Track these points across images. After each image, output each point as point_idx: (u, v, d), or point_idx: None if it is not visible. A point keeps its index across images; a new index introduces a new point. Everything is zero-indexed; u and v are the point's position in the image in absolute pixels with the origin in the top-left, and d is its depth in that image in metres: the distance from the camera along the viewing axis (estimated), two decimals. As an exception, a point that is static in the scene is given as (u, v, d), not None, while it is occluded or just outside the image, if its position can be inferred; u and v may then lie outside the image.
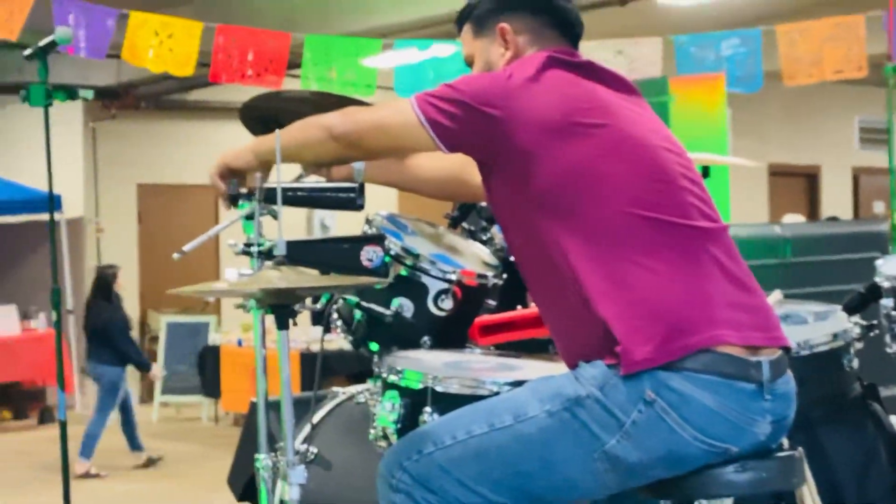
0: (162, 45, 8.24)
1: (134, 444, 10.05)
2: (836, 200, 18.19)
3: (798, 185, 18.25)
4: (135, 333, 14.19)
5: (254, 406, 2.88)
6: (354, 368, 9.56)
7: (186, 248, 2.81)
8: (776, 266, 7.57)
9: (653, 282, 2.64)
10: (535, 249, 2.76)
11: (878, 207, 17.45)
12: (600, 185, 2.68)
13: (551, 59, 2.80)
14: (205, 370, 11.82)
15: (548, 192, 2.69)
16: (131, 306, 14.29)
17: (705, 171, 4.85)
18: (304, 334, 10.20)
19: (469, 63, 3.03)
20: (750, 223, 9.47)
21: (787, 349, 2.76)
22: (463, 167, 3.21)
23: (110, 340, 9.99)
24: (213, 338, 12.21)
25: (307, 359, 9.93)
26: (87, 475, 9.55)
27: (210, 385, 11.72)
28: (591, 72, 2.84)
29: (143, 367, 10.35)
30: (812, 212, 18.12)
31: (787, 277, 7.03)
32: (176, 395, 12.84)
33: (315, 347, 10.04)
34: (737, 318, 2.67)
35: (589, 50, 8.33)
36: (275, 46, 8.55)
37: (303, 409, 3.60)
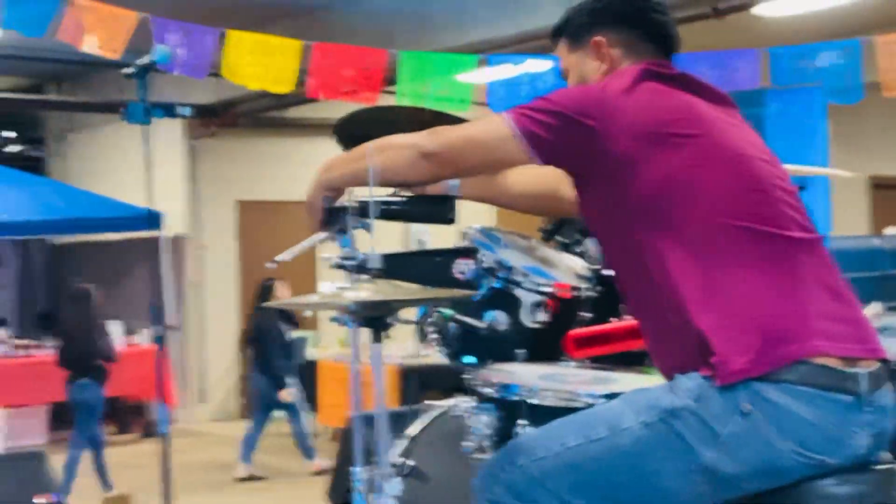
0: (260, 63, 8.35)
1: (306, 454, 10.30)
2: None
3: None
4: (234, 349, 14.45)
5: (351, 420, 2.90)
6: (450, 383, 9.58)
7: (279, 257, 2.85)
8: (876, 278, 7.49)
9: (748, 292, 2.63)
10: (630, 260, 2.76)
11: None
12: (696, 195, 2.68)
13: (646, 71, 2.80)
14: (303, 385, 11.90)
15: (643, 203, 2.69)
16: (231, 322, 14.50)
17: (803, 183, 4.80)
18: (401, 349, 10.25)
19: (565, 76, 3.05)
20: (850, 235, 9.37)
21: (885, 361, 2.73)
22: (557, 182, 3.21)
23: (262, 350, 10.16)
24: (311, 353, 12.29)
25: (404, 373, 9.98)
26: (249, 478, 9.73)
27: (307, 400, 11.79)
28: (686, 83, 2.84)
29: (279, 383, 10.41)
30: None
31: (887, 290, 6.93)
32: (275, 410, 12.92)
33: (411, 362, 10.11)
34: (833, 329, 2.64)
35: (686, 62, 8.28)
36: (371, 63, 8.61)
37: (399, 422, 3.63)
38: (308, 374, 11.72)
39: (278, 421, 12.76)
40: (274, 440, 12.17)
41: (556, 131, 2.72)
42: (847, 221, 14.56)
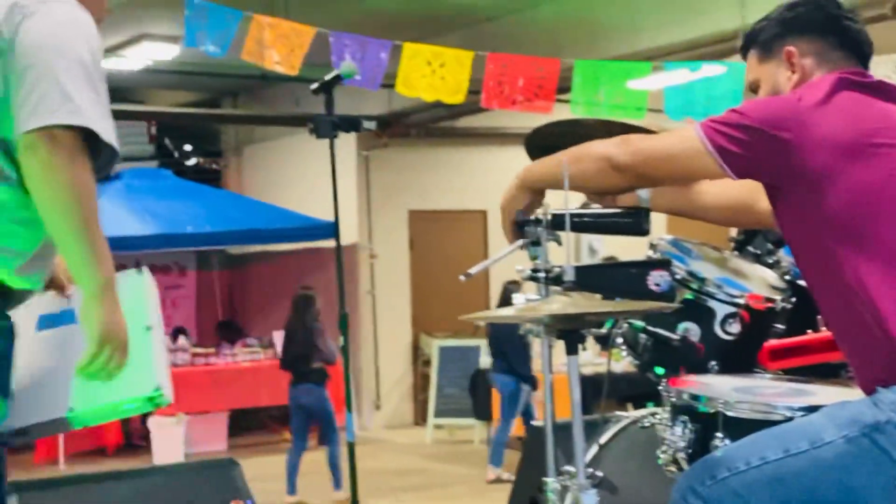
0: (434, 75, 8.43)
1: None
2: None
3: None
4: (406, 357, 14.60)
5: (532, 429, 2.91)
6: (625, 392, 9.54)
7: (472, 270, 2.87)
8: None
9: None
10: (827, 272, 2.72)
11: None
12: (893, 207, 2.63)
13: (842, 80, 2.76)
14: (476, 393, 11.97)
15: (840, 214, 2.65)
16: (403, 330, 14.64)
17: None
18: (582, 358, 10.21)
19: (754, 88, 3.02)
20: None
21: None
22: (750, 193, 3.18)
23: (507, 353, 10.27)
24: (484, 361, 12.35)
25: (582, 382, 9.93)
26: (497, 480, 9.87)
27: (481, 408, 11.86)
28: (884, 92, 2.79)
29: (528, 382, 10.49)
30: None
31: None
32: (448, 418, 13.03)
33: (589, 371, 10.10)
34: None
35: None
36: (544, 72, 8.63)
37: (587, 432, 3.63)
38: (482, 382, 11.79)
39: (459, 428, 12.89)
40: (453, 447, 12.28)
41: (749, 146, 2.70)
42: None
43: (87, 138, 2.84)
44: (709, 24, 10.01)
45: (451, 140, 14.91)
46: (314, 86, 4.76)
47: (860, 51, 2.92)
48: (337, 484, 9.64)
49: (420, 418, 13.90)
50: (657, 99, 9.13)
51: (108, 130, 2.87)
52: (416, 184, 14.87)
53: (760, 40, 2.99)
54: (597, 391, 10.10)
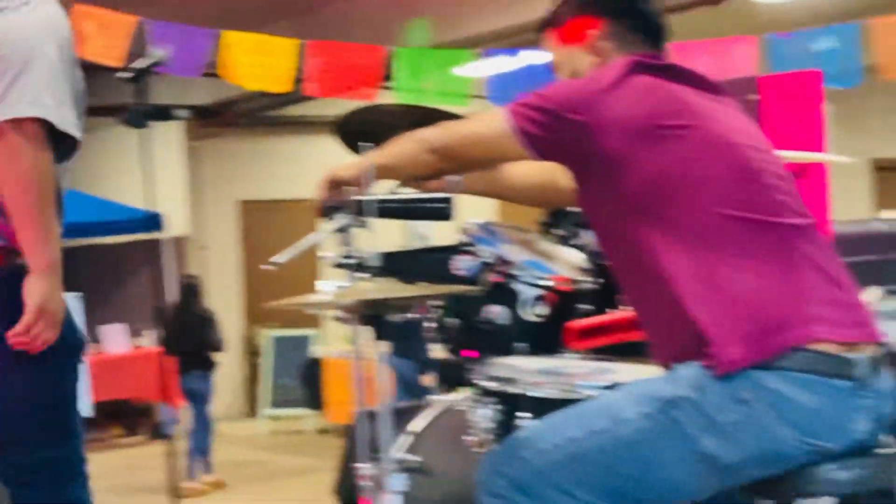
0: (257, 63, 8.35)
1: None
2: (943, 194, 17.87)
3: (903, 179, 17.96)
4: (238, 348, 14.49)
5: (356, 418, 2.93)
6: (457, 378, 9.57)
7: (279, 258, 2.86)
8: (879, 262, 7.47)
9: (744, 281, 2.63)
10: (627, 253, 2.77)
11: None
12: (688, 186, 2.69)
13: (636, 63, 2.81)
14: (309, 383, 11.92)
15: (638, 196, 2.70)
16: (235, 322, 14.51)
17: (801, 170, 4.81)
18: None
19: (555, 69, 3.05)
20: (852, 219, 9.35)
21: (883, 345, 2.74)
22: (555, 174, 3.22)
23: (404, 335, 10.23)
24: (317, 350, 12.32)
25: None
26: None
27: (315, 397, 11.82)
28: (676, 74, 2.84)
29: (424, 366, 10.51)
30: (918, 206, 17.81)
31: (889, 273, 6.93)
32: (282, 409, 12.97)
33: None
34: (831, 314, 2.65)
35: (682, 51, 8.29)
36: (368, 60, 8.61)
37: (404, 418, 3.64)
38: (314, 371, 11.74)
39: (293, 419, 12.83)
40: (287, 438, 12.22)
41: (548, 129, 2.74)
42: (849, 205, 14.58)
43: (50, 129, 3.16)
44: (531, 11, 10.07)
45: (281, 129, 14.80)
46: (123, 74, 4.68)
47: (657, 34, 2.98)
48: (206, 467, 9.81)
49: (253, 410, 13.80)
50: (484, 86, 9.18)
51: (67, 121, 3.19)
52: (248, 174, 14.74)
53: (560, 22, 3.03)
54: (445, 376, 10.20)
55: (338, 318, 2.96)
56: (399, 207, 3.01)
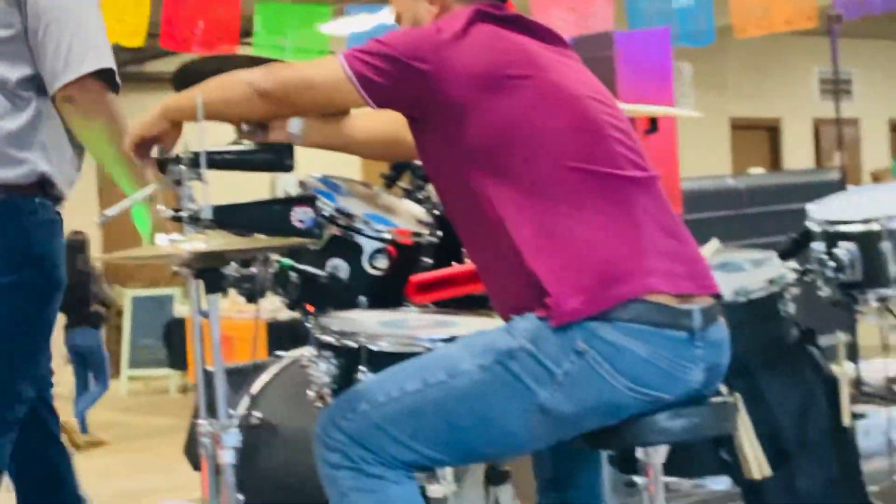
0: (109, 16, 8.15)
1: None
2: (797, 152, 18.25)
3: (760, 137, 18.29)
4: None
5: (205, 374, 2.88)
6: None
7: (109, 212, 2.80)
8: (731, 217, 7.61)
9: (582, 232, 2.64)
10: (467, 204, 2.76)
11: (839, 159, 17.51)
12: (529, 137, 2.68)
13: (479, 12, 2.79)
14: (171, 342, 11.80)
15: (478, 147, 2.69)
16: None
17: (653, 124, 4.85)
18: (271, 303, 10.16)
19: (398, 20, 3.03)
20: (705, 175, 9.50)
21: (717, 297, 2.77)
22: (399, 127, 3.21)
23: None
24: (179, 310, 12.20)
25: (274, 328, 9.90)
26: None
27: (177, 357, 11.70)
28: (520, 25, 2.83)
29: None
30: (774, 164, 18.18)
31: (742, 228, 7.06)
32: (143, 369, 12.83)
33: (281, 317, 10.04)
34: (667, 267, 2.67)
35: (542, 6, 8.32)
36: (225, 14, 8.49)
37: (249, 376, 3.61)
38: (177, 331, 11.63)
39: (154, 379, 12.70)
40: (148, 398, 12.10)
41: (388, 75, 2.71)
42: (709, 162, 14.82)
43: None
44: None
45: (138, 85, 14.50)
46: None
47: None
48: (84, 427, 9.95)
49: (114, 370, 13.61)
50: (341, 44, 9.12)
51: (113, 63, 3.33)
52: (105, 131, 14.46)
53: None
54: (294, 336, 10.16)
55: (175, 274, 2.91)
56: (235, 159, 2.96)
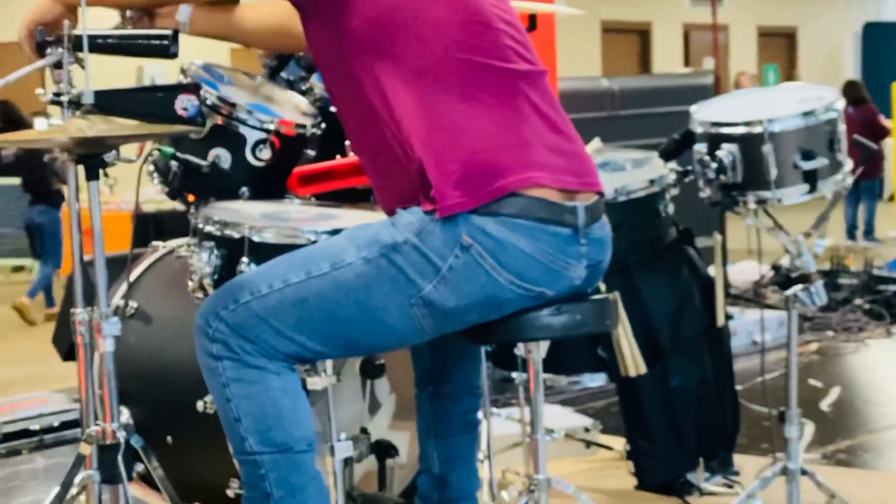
0: None
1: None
2: (667, 57, 18.42)
3: (630, 41, 18.42)
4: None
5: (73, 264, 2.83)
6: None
7: None
8: (604, 119, 7.66)
9: (467, 124, 2.62)
10: (354, 93, 2.72)
11: (708, 63, 17.72)
12: (417, 25, 2.64)
13: None
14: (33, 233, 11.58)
15: (365, 34, 2.65)
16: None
17: (532, 22, 4.84)
18: (141, 195, 10.03)
19: None
20: (580, 76, 9.54)
21: (601, 195, 2.78)
22: (287, 17, 3.15)
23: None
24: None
25: (140, 220, 9.79)
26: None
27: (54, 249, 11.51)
28: None
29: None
30: (644, 68, 18.33)
31: (615, 130, 7.11)
32: (4, 259, 12.57)
33: (148, 209, 9.93)
34: (552, 162, 2.66)
35: None
36: None
37: (124, 266, 3.55)
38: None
39: (8, 269, 12.49)
40: (8, 288, 11.90)
41: None
42: (580, 65, 14.87)
43: None
44: None
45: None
46: None
47: None
48: (50, 302, 10.40)
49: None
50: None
51: None
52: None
53: None
54: (159, 228, 10.04)
55: (53, 159, 2.84)
56: (118, 43, 2.89)
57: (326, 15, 2.69)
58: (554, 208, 2.63)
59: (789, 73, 20.49)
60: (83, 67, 2.78)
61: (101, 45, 2.84)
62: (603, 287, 2.90)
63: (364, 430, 3.26)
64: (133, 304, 3.44)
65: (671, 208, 3.76)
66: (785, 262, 3.51)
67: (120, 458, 2.76)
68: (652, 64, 18.38)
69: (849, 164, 3.54)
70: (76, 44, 2.78)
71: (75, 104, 2.76)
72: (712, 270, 3.87)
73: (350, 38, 2.66)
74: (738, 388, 4.22)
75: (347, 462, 3.09)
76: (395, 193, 2.71)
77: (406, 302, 2.62)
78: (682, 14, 18.55)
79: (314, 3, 2.70)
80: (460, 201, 2.57)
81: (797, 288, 3.42)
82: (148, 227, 9.97)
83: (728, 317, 4.07)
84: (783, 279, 3.47)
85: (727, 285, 6.68)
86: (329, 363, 2.98)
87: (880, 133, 12.52)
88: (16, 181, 12.73)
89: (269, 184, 3.31)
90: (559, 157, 2.69)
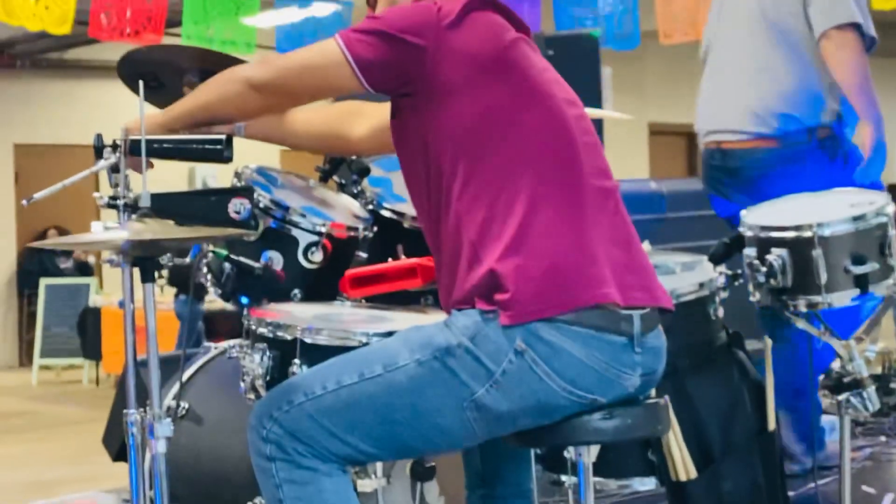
0: (38, 3, 8.10)
1: None
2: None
3: (677, 143, 18.45)
4: (10, 296, 14.15)
5: (127, 365, 2.86)
6: (235, 327, 9.56)
7: (37, 195, 2.77)
8: (653, 221, 7.66)
9: (543, 235, 2.63)
10: (435, 190, 2.74)
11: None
12: (508, 131, 2.67)
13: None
14: (85, 332, 11.70)
15: (458, 132, 2.67)
16: (7, 268, 14.13)
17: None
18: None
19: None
20: (627, 179, 9.56)
21: (663, 309, 2.78)
22: (343, 120, 3.19)
23: None
24: (94, 299, 12.08)
25: (184, 318, 9.87)
26: None
27: (91, 347, 11.60)
28: (510, 17, 2.81)
29: None
30: (691, 170, 18.33)
31: (663, 232, 7.11)
32: (56, 358, 12.68)
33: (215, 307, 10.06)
34: (623, 278, 2.67)
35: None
36: (153, 4, 8.45)
37: (176, 366, 3.58)
38: (91, 320, 11.52)
39: (66, 369, 12.58)
40: (60, 388, 11.97)
41: (385, 53, 2.68)
42: (627, 167, 14.91)
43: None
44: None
45: (60, 72, 14.42)
46: None
47: None
48: None
49: (27, 359, 13.45)
50: (268, 36, 9.10)
51: (869, 25, 4.48)
52: (23, 116, 14.32)
53: None
54: (210, 328, 10.12)
55: (110, 262, 2.88)
56: (173, 148, 2.94)
57: (424, 107, 2.71)
58: (610, 316, 2.63)
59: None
60: (140, 172, 2.83)
61: (158, 150, 2.89)
62: (653, 391, 2.89)
63: (413, 533, 3.25)
64: (185, 404, 3.46)
65: (721, 311, 3.75)
66: (836, 366, 3.49)
67: (170, 558, 2.76)
68: (699, 166, 18.38)
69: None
70: (133, 148, 2.82)
71: (132, 207, 2.80)
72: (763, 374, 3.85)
73: (443, 133, 2.70)
74: (791, 493, 4.17)
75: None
76: (459, 293, 2.71)
77: (459, 405, 2.62)
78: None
79: (416, 94, 2.73)
80: (530, 311, 2.58)
81: (849, 393, 3.41)
82: (199, 327, 10.10)
83: (779, 421, 4.04)
84: (835, 384, 3.46)
85: (778, 389, 6.61)
86: (379, 465, 2.99)
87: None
88: (75, 280, 12.94)
89: (321, 286, 3.34)
90: (629, 273, 2.71)
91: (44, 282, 13.08)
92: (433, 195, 2.76)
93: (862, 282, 3.42)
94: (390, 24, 2.70)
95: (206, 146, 2.94)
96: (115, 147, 2.85)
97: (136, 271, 2.76)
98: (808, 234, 3.43)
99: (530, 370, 2.59)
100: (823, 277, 3.40)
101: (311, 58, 2.78)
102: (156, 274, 2.77)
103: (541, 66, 2.78)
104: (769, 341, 3.77)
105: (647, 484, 3.78)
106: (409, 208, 3.58)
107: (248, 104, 2.85)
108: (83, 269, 13.82)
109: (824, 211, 3.52)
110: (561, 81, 2.83)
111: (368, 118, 3.21)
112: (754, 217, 3.61)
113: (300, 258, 3.30)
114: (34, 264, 13.89)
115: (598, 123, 5.91)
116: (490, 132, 2.67)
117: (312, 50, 2.80)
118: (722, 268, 3.74)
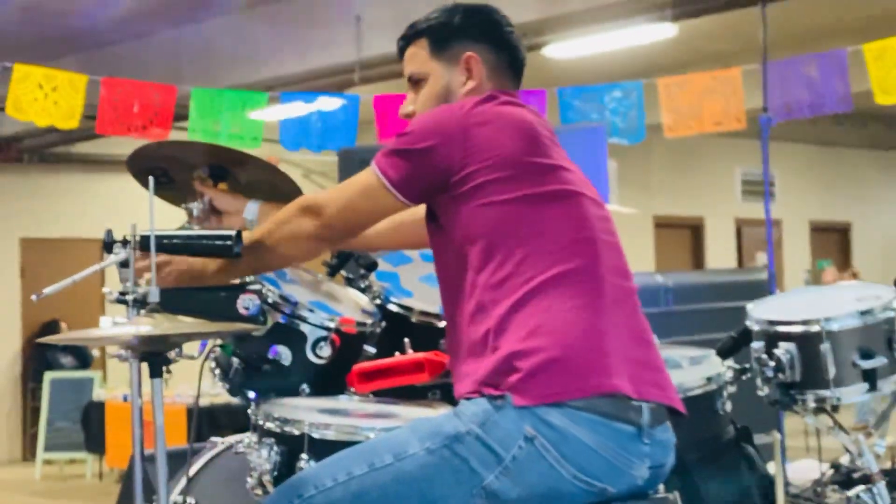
0: (47, 98, 8.18)
1: None
2: (720, 251, 18.46)
3: (682, 236, 18.50)
4: (14, 391, 14.12)
5: (133, 460, 2.85)
6: (241, 422, 9.48)
7: (47, 290, 2.78)
8: (658, 314, 7.66)
9: (558, 326, 2.66)
10: (458, 279, 2.78)
11: (761, 258, 17.75)
12: (532, 226, 2.72)
13: (505, 98, 2.83)
14: (89, 426, 11.64)
15: (489, 226, 2.72)
16: (12, 361, 14.11)
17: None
18: (192, 388, 10.10)
19: (414, 80, 2.99)
20: (633, 272, 9.58)
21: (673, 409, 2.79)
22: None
23: None
24: (98, 393, 12.05)
25: (193, 413, 9.81)
26: None
27: (94, 441, 11.54)
28: (536, 117, 2.86)
29: None
30: (697, 263, 18.37)
31: (668, 325, 7.11)
32: (59, 452, 12.62)
33: (202, 403, 9.95)
34: (635, 372, 2.70)
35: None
36: (160, 99, 8.53)
37: (182, 460, 3.57)
38: (95, 414, 11.48)
39: (70, 463, 12.51)
40: (63, 483, 11.90)
41: (417, 167, 2.75)
42: (632, 260, 14.94)
43: None
44: (325, 56, 10.12)
45: (67, 166, 14.48)
46: None
47: (519, 70, 3.00)
48: None
49: (30, 454, 13.39)
50: (274, 129, 9.17)
51: None
52: (29, 211, 14.38)
53: (437, 33, 2.96)
54: (214, 421, 10.06)
55: (118, 357, 2.88)
56: (181, 243, 2.95)
57: (455, 206, 2.76)
58: (619, 405, 2.65)
59: (843, 269, 20.46)
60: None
61: (167, 246, 2.90)
62: (661, 486, 2.88)
63: None
64: (191, 500, 3.44)
65: (729, 406, 3.75)
66: (845, 460, 3.48)
67: None
68: (705, 258, 18.43)
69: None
70: (142, 244, 2.83)
71: (140, 303, 2.81)
72: (771, 468, 3.83)
73: (472, 229, 2.75)
74: (801, 589, 4.14)
75: None
76: (468, 384, 2.72)
77: (468, 492, 2.63)
78: (734, 209, 18.65)
79: (450, 194, 2.76)
80: (538, 393, 2.60)
81: (859, 489, 3.39)
82: (202, 421, 10.03)
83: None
84: (844, 479, 3.44)
85: (786, 484, 6.58)
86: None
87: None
88: (79, 374, 12.91)
89: (329, 380, 3.34)
90: (644, 370, 2.74)
91: (48, 376, 13.04)
92: (459, 287, 2.79)
93: (870, 376, 3.43)
94: (418, 138, 2.76)
95: (216, 241, 2.95)
96: (124, 242, 2.86)
97: (144, 366, 2.76)
98: (815, 328, 3.44)
99: (540, 456, 2.60)
100: (832, 372, 3.41)
101: (354, 195, 2.84)
102: (163, 369, 2.77)
103: (568, 164, 2.82)
104: (778, 435, 3.76)
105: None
106: (416, 303, 3.59)
107: (317, 253, 2.97)
108: (83, 362, 13.80)
109: (831, 305, 3.53)
110: (581, 175, 2.87)
111: None
112: (762, 311, 3.62)
113: (308, 353, 3.30)
114: (38, 358, 13.87)
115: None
116: (518, 228, 2.72)
117: (355, 186, 2.85)
118: (730, 362, 3.75)
